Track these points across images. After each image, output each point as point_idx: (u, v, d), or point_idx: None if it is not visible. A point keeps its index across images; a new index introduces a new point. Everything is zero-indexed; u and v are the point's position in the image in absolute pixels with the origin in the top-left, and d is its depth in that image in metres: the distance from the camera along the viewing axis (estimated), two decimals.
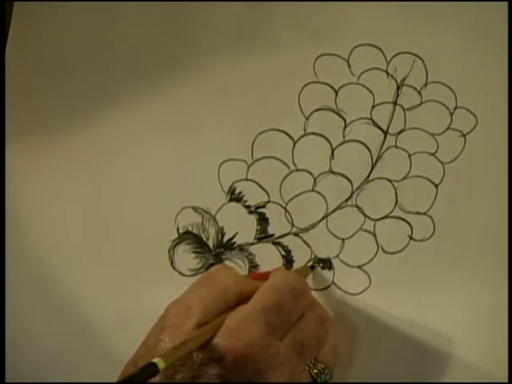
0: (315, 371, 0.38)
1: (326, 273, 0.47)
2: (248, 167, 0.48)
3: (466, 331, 0.46)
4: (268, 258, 0.48)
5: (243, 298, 0.37)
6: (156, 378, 0.31)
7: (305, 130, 0.48)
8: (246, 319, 0.35)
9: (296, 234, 0.48)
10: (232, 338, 0.34)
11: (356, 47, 0.49)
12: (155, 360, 0.30)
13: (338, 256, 0.47)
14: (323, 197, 0.48)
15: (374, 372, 0.46)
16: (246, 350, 0.33)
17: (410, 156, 0.47)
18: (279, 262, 0.48)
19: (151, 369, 0.30)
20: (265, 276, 0.41)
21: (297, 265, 0.47)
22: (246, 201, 0.48)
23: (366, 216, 0.47)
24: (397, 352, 0.46)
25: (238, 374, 0.34)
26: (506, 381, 0.44)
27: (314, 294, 0.47)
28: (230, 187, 0.49)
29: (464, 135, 0.47)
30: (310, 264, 0.47)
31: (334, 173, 0.48)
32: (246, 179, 0.48)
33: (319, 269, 0.47)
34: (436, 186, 0.47)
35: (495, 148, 0.47)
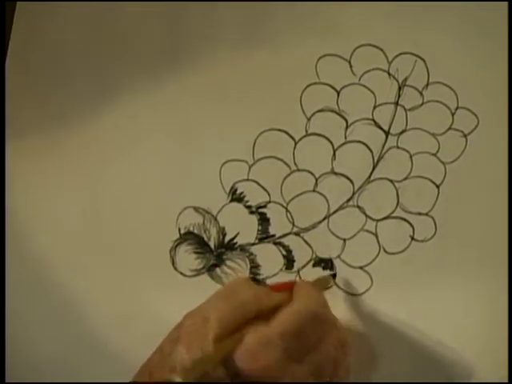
0: None
1: (328, 273, 0.47)
2: (249, 167, 0.48)
3: (466, 331, 0.46)
4: (269, 258, 0.48)
5: (263, 312, 0.37)
6: None
7: (306, 131, 0.48)
8: (265, 342, 0.35)
9: (297, 234, 0.47)
10: (250, 359, 0.34)
11: (358, 48, 0.49)
12: (177, 380, 0.30)
13: (339, 256, 0.47)
14: (324, 197, 0.48)
15: (373, 371, 0.46)
16: (263, 373, 0.34)
17: (411, 156, 0.47)
18: (280, 262, 0.48)
19: None
20: (287, 287, 0.40)
21: (297, 265, 0.47)
22: (247, 201, 0.48)
23: (367, 216, 0.47)
24: (396, 352, 0.46)
25: None
26: (506, 381, 0.45)
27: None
28: (232, 187, 0.49)
29: (465, 135, 0.47)
30: (329, 272, 0.47)
31: (335, 173, 0.48)
32: (248, 179, 0.48)
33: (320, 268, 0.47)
34: (437, 186, 0.47)
35: (496, 148, 0.47)
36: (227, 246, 0.48)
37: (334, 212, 0.48)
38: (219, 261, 0.48)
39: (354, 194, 0.48)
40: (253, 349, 0.34)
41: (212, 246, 0.48)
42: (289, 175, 0.48)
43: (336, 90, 0.48)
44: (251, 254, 0.48)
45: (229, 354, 0.34)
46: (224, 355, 0.34)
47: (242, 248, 0.48)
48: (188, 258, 0.49)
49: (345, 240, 0.47)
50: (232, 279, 0.40)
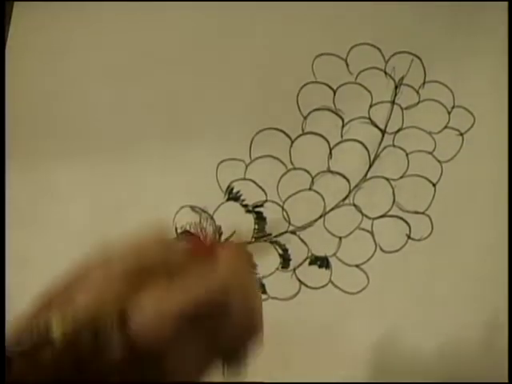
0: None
1: (324, 271, 0.47)
2: (246, 166, 0.48)
3: (465, 331, 0.46)
4: (265, 256, 0.48)
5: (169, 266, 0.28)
6: None
7: (303, 130, 0.48)
8: (164, 310, 0.26)
9: (293, 233, 0.47)
10: (145, 329, 0.25)
11: (354, 47, 0.49)
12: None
13: (335, 254, 0.47)
14: (321, 195, 0.48)
15: (372, 371, 0.46)
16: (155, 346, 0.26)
17: (407, 155, 0.47)
18: (276, 260, 0.47)
19: None
20: (207, 252, 0.31)
21: (293, 263, 0.47)
22: (243, 200, 0.48)
23: (363, 215, 0.47)
24: (396, 352, 0.46)
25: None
26: (506, 381, 0.44)
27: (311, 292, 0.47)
28: (228, 186, 0.49)
29: (461, 134, 0.47)
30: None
31: (331, 172, 0.48)
32: (244, 178, 0.48)
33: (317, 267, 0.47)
34: (434, 184, 0.47)
35: (493, 147, 0.47)
36: None
37: (330, 210, 0.47)
38: None
39: (350, 192, 0.47)
40: (149, 317, 0.26)
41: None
42: (285, 174, 0.48)
43: (332, 89, 0.49)
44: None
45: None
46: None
47: None
48: None
49: (341, 238, 0.47)
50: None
